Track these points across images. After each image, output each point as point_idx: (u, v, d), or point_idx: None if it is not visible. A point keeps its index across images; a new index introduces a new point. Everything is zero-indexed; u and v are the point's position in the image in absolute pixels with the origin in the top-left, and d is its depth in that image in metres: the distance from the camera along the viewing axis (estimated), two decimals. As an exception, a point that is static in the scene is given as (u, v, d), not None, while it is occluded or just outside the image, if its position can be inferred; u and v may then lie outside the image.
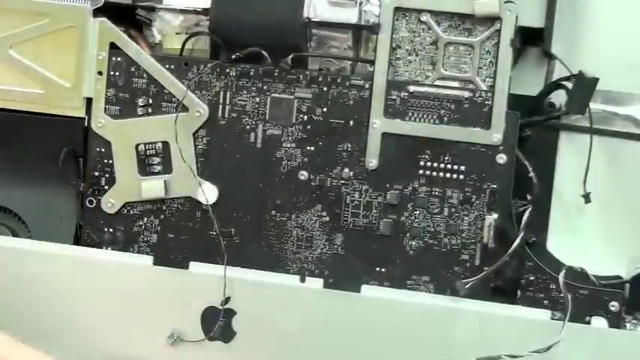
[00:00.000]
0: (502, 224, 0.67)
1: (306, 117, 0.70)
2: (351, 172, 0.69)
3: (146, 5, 0.73)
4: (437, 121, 0.68)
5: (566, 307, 0.65)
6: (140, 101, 0.71)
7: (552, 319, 0.67)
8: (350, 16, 0.70)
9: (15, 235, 0.75)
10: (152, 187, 0.71)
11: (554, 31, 0.68)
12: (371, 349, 0.69)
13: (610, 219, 0.70)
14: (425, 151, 0.68)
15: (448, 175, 0.68)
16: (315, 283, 0.70)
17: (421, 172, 0.69)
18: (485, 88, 0.68)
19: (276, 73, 0.70)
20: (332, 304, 0.69)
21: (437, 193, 0.69)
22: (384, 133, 0.69)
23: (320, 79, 0.69)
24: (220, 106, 0.70)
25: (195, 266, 0.70)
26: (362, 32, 0.71)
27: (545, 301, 0.68)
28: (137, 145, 0.71)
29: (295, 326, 0.69)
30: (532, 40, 0.69)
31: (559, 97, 0.69)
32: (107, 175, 0.72)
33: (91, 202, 0.72)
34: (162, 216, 0.71)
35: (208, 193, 0.70)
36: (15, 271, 0.72)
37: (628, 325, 0.67)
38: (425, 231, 0.69)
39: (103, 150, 0.72)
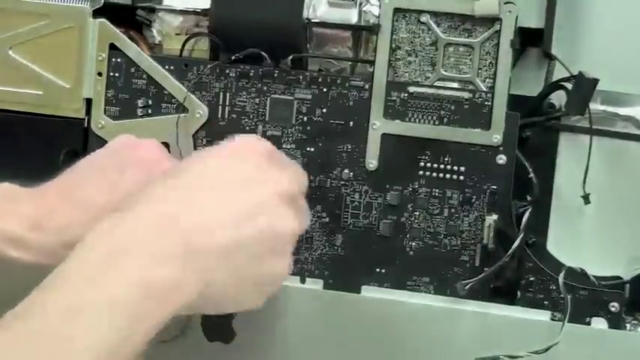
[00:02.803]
0: (502, 225, 0.67)
1: (306, 118, 0.70)
2: (351, 173, 0.69)
3: (146, 6, 0.73)
4: (437, 122, 0.68)
5: (565, 308, 0.65)
6: (140, 102, 0.71)
7: (552, 319, 0.67)
8: (350, 16, 0.70)
9: (15, 235, 0.75)
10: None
11: (554, 32, 0.68)
12: (371, 349, 0.69)
13: (610, 220, 0.70)
14: (425, 152, 0.68)
15: (448, 175, 0.68)
16: (315, 284, 0.70)
17: (421, 172, 0.69)
18: (485, 89, 0.68)
19: (276, 74, 0.70)
20: (332, 305, 0.69)
21: (437, 193, 0.69)
22: (383, 134, 0.69)
23: (320, 80, 0.69)
24: (220, 107, 0.70)
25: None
26: (362, 33, 0.71)
27: (545, 302, 0.68)
28: (137, 146, 0.71)
29: (295, 326, 0.69)
30: (532, 41, 0.69)
31: (559, 98, 0.69)
32: (107, 176, 0.72)
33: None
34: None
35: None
36: (15, 270, 0.72)
37: (628, 325, 0.67)
38: (425, 232, 0.69)
39: (103, 151, 0.72)
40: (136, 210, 0.51)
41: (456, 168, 0.68)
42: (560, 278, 0.66)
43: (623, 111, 0.69)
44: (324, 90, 0.69)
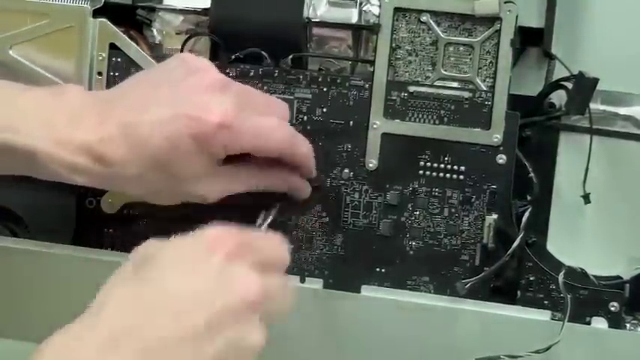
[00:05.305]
0: (502, 225, 0.67)
1: (306, 117, 0.70)
2: (351, 173, 0.69)
3: (146, 5, 0.73)
4: (437, 122, 0.68)
5: (566, 308, 0.65)
6: (140, 102, 0.71)
7: (552, 319, 0.67)
8: (350, 15, 0.70)
9: (15, 235, 0.75)
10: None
11: (554, 31, 0.68)
12: (371, 349, 0.69)
13: (610, 219, 0.70)
14: (425, 152, 0.68)
15: (448, 175, 0.68)
16: (315, 283, 0.70)
17: (421, 172, 0.69)
18: (485, 89, 0.68)
19: (276, 74, 0.70)
20: (332, 304, 0.69)
21: (437, 193, 0.69)
22: (383, 133, 0.69)
23: (320, 79, 0.69)
24: (220, 107, 0.70)
25: (195, 266, 0.70)
26: (362, 32, 0.71)
27: (545, 302, 0.68)
28: (137, 146, 0.71)
29: (295, 326, 0.69)
30: (532, 40, 0.69)
31: (559, 97, 0.69)
32: (107, 176, 0.72)
33: (90, 202, 0.72)
34: (162, 216, 0.71)
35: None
36: (15, 271, 0.72)
37: (628, 325, 0.67)
38: (425, 231, 0.69)
39: (102, 150, 0.71)
40: (88, 322, 0.49)
41: (456, 168, 0.68)
42: (560, 278, 0.66)
43: (623, 111, 0.69)
44: (324, 89, 0.69)
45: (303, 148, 0.66)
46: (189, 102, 0.61)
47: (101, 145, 0.60)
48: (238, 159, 0.65)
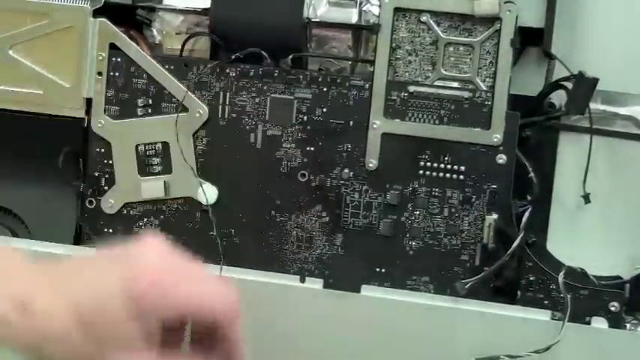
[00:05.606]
0: (502, 225, 0.67)
1: (306, 117, 0.70)
2: (351, 173, 0.69)
3: (146, 5, 0.73)
4: (437, 122, 0.68)
5: (565, 308, 0.65)
6: (140, 102, 0.71)
7: (552, 319, 0.67)
8: (350, 15, 0.70)
9: (15, 235, 0.75)
10: (152, 188, 0.71)
11: (554, 31, 0.68)
12: (371, 349, 0.69)
13: (610, 219, 0.70)
14: (425, 152, 0.68)
15: (448, 175, 0.68)
16: (315, 283, 0.70)
17: (421, 172, 0.69)
18: (485, 89, 0.68)
19: (276, 74, 0.70)
20: (332, 304, 0.69)
21: (437, 193, 0.69)
22: (383, 133, 0.69)
23: (320, 79, 0.69)
24: (220, 107, 0.70)
25: (195, 266, 0.70)
26: (362, 32, 0.71)
27: (546, 302, 0.68)
28: (137, 146, 0.71)
29: (295, 326, 0.69)
30: (532, 40, 0.69)
31: (559, 97, 0.69)
32: (107, 176, 0.72)
33: (90, 202, 0.72)
34: (162, 216, 0.71)
35: (208, 194, 0.70)
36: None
37: (628, 325, 0.67)
38: (425, 231, 0.69)
39: (102, 150, 0.72)
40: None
41: (456, 167, 0.68)
42: (560, 278, 0.67)
43: (623, 111, 0.69)
44: (324, 89, 0.69)
45: (238, 325, 0.57)
46: (125, 264, 0.58)
47: (29, 297, 0.56)
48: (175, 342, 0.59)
